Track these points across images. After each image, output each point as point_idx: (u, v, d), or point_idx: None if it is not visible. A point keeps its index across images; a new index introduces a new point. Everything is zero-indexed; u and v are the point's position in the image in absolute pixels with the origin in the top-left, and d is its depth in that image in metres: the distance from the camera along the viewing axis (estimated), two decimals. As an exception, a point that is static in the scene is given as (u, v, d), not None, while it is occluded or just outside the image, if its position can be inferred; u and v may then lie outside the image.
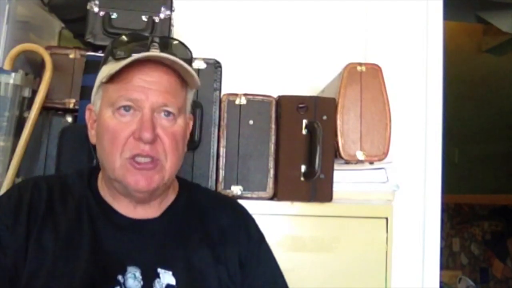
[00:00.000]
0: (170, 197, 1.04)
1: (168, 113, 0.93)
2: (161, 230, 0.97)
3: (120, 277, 0.88)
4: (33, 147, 1.33)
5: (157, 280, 0.90)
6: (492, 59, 3.42)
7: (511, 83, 3.18)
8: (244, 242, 1.03)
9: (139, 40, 0.95)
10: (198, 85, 1.00)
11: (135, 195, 0.94)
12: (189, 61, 0.98)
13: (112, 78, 0.91)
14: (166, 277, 0.90)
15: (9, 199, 0.95)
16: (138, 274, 0.89)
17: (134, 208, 0.97)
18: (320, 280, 1.48)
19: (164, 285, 0.90)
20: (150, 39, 0.94)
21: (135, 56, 0.89)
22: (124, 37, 0.96)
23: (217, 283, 0.95)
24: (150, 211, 0.98)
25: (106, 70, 0.93)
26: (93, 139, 0.99)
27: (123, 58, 0.91)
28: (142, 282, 0.89)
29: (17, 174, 1.30)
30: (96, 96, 0.97)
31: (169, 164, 0.93)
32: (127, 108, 0.91)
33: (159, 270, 0.91)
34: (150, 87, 0.90)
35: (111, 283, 0.87)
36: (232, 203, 1.17)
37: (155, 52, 0.92)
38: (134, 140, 0.90)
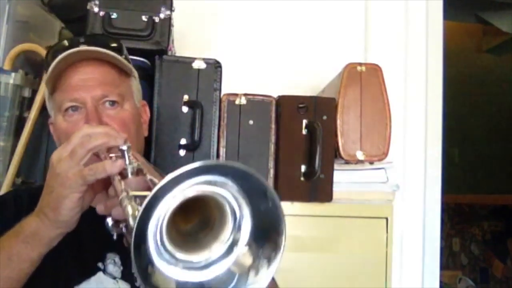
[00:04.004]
0: None
1: (112, 102, 0.97)
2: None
3: (100, 264, 0.93)
4: (33, 147, 1.34)
5: None
6: (492, 59, 3.42)
7: (511, 83, 3.18)
8: None
9: (66, 44, 0.99)
10: (131, 70, 1.03)
11: None
12: (119, 48, 1.02)
13: (55, 87, 0.96)
14: None
15: None
16: (117, 259, 0.94)
17: None
18: (320, 280, 1.48)
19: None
20: (75, 40, 0.99)
21: (61, 55, 0.93)
22: (63, 43, 1.00)
23: None
24: None
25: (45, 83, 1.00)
26: None
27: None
28: (122, 267, 0.94)
29: (17, 174, 1.30)
30: (49, 108, 1.03)
31: None
32: (73, 108, 0.95)
33: None
34: (87, 84, 0.95)
35: (92, 271, 0.92)
36: None
37: (77, 48, 0.96)
38: None
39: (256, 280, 0.65)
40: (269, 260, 0.65)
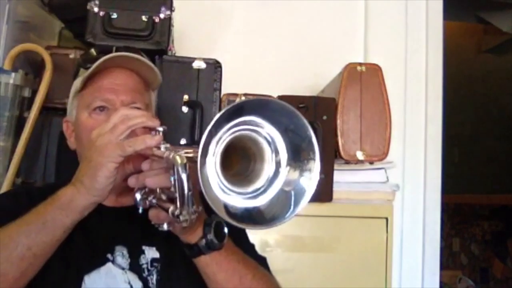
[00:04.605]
0: None
1: (137, 109, 1.01)
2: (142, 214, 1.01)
3: (109, 255, 0.98)
4: (33, 147, 1.34)
5: (142, 256, 0.99)
6: (492, 59, 3.42)
7: (511, 83, 3.18)
8: None
9: (104, 52, 1.10)
10: (160, 80, 1.10)
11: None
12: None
13: (85, 86, 1.03)
14: (151, 252, 1.00)
15: (5, 197, 1.09)
16: (125, 252, 0.99)
17: (116, 199, 1.03)
18: (320, 280, 1.48)
19: (149, 259, 0.99)
20: (114, 48, 1.11)
21: (105, 56, 1.00)
22: (91, 51, 1.13)
23: None
24: (131, 199, 1.01)
25: (79, 80, 1.05)
26: (72, 145, 1.09)
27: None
28: (129, 260, 0.98)
29: (17, 174, 1.30)
30: (71, 106, 1.08)
31: None
32: (101, 108, 1.01)
33: (144, 247, 1.00)
34: (119, 88, 1.02)
35: (102, 261, 0.97)
36: None
37: (121, 52, 1.04)
38: None
39: (308, 185, 0.76)
40: (312, 160, 0.77)
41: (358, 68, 1.49)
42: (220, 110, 1.42)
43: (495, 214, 3.56)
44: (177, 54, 1.54)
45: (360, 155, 1.45)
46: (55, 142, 1.36)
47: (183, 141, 1.36)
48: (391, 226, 1.53)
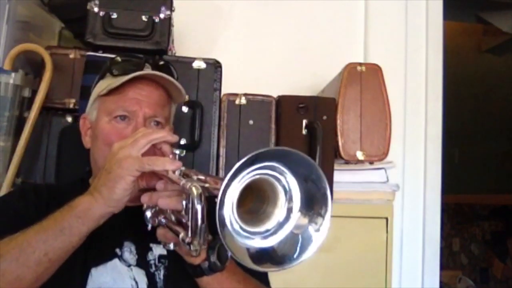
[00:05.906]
0: None
1: (157, 123, 1.06)
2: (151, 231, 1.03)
3: (117, 250, 1.00)
4: (33, 147, 1.34)
5: (150, 253, 1.02)
6: (492, 59, 3.42)
7: (511, 83, 3.18)
8: None
9: (133, 60, 1.10)
10: (184, 97, 1.12)
11: None
12: (176, 78, 1.12)
13: (110, 92, 1.04)
14: (158, 249, 1.02)
15: (13, 194, 1.12)
16: (133, 248, 1.01)
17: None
18: (320, 280, 1.48)
19: (157, 256, 1.02)
20: (143, 59, 1.10)
21: (134, 74, 1.03)
22: (119, 58, 1.11)
23: None
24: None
25: (104, 84, 1.07)
26: (87, 144, 1.11)
27: (120, 75, 1.05)
28: (136, 256, 1.01)
29: (17, 174, 1.30)
30: (92, 107, 1.10)
31: None
32: (122, 117, 1.04)
33: (151, 245, 1.02)
34: (143, 100, 1.04)
35: (110, 255, 0.99)
36: None
37: (150, 71, 1.07)
38: None
39: (317, 235, 0.78)
40: (322, 216, 0.78)
41: (358, 68, 1.49)
42: (220, 110, 1.43)
43: (495, 214, 3.57)
44: (177, 54, 1.54)
45: (360, 155, 1.45)
46: (55, 142, 1.36)
47: (183, 141, 1.36)
48: (391, 226, 1.53)
